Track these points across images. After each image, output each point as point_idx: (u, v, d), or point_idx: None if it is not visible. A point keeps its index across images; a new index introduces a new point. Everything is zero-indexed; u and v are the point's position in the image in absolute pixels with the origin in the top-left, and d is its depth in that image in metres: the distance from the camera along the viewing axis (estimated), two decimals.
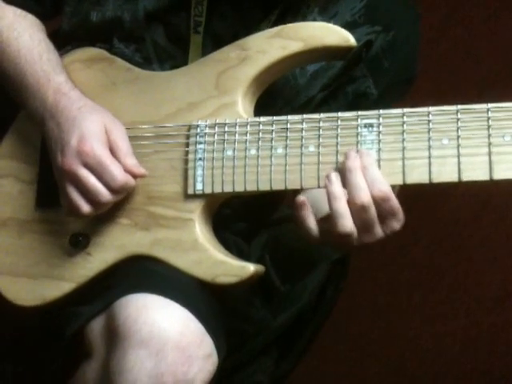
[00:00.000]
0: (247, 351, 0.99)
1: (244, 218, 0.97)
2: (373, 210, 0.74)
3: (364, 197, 0.73)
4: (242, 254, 0.88)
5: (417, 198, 1.42)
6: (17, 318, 0.99)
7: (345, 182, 0.75)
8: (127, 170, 0.83)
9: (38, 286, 0.89)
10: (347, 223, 0.74)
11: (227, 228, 0.95)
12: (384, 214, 0.74)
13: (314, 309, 1.01)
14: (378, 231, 0.75)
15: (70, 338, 0.86)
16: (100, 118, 0.84)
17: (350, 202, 0.74)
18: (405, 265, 1.50)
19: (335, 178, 0.75)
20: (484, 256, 1.47)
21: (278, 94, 0.90)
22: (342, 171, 0.75)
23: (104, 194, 0.82)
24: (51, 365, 0.91)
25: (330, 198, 0.75)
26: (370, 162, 0.75)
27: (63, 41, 0.96)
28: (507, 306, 1.45)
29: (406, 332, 1.47)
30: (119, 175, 0.82)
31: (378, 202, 0.74)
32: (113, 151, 0.83)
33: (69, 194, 0.83)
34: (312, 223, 0.76)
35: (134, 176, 0.84)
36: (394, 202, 0.75)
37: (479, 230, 1.48)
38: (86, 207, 0.82)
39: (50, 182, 0.88)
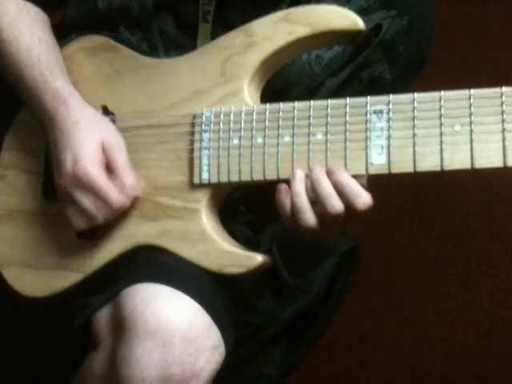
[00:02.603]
0: (255, 343, 0.99)
1: (253, 209, 0.96)
2: (344, 215, 0.74)
3: (337, 206, 0.74)
4: (250, 246, 0.87)
5: (427, 188, 1.41)
6: (26, 310, 0.99)
7: (315, 194, 0.75)
8: (123, 191, 0.82)
9: (46, 277, 0.89)
10: (309, 218, 0.75)
11: (236, 219, 0.94)
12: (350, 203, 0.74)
13: (323, 301, 1.00)
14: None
15: (78, 329, 0.86)
16: (96, 135, 0.83)
17: (324, 213, 0.74)
18: (416, 257, 1.48)
19: (299, 175, 0.76)
20: (496, 248, 1.45)
21: (293, 83, 0.89)
22: (310, 184, 0.75)
23: (98, 217, 0.82)
24: (61, 355, 0.91)
25: (292, 194, 0.76)
26: (337, 168, 0.75)
27: (68, 29, 0.95)
28: None
29: (418, 325, 1.46)
30: (114, 200, 0.81)
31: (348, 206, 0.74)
32: (110, 168, 0.83)
33: (65, 210, 0.84)
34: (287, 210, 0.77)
35: (130, 197, 0.83)
36: (366, 196, 0.74)
37: (491, 221, 1.46)
38: (80, 225, 0.83)
39: None
